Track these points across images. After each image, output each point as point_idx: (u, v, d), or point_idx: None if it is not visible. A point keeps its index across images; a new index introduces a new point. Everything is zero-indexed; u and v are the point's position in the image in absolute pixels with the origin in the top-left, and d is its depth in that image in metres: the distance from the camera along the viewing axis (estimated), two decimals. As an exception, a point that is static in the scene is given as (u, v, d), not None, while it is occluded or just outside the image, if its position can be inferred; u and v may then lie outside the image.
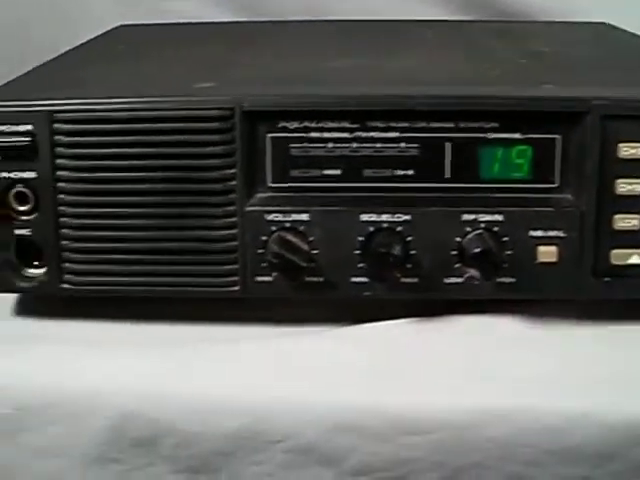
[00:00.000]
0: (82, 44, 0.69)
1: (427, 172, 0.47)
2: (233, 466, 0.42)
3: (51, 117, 0.47)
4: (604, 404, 0.40)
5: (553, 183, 0.47)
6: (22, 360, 0.45)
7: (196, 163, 0.47)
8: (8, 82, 0.53)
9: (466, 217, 0.46)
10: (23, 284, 0.50)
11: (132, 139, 0.47)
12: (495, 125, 0.46)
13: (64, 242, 0.48)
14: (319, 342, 0.47)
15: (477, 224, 0.46)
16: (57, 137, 0.47)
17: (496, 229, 0.46)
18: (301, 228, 0.47)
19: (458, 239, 0.47)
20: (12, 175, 0.48)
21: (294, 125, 0.47)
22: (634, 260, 0.47)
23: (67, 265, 0.49)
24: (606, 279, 0.47)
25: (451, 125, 0.46)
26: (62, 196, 0.48)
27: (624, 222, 0.46)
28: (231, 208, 0.47)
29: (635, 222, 0.46)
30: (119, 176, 0.47)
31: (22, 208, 0.49)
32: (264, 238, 0.47)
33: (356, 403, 0.42)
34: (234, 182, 0.47)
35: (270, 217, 0.47)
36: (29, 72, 0.57)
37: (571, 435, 0.40)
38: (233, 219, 0.47)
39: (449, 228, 0.47)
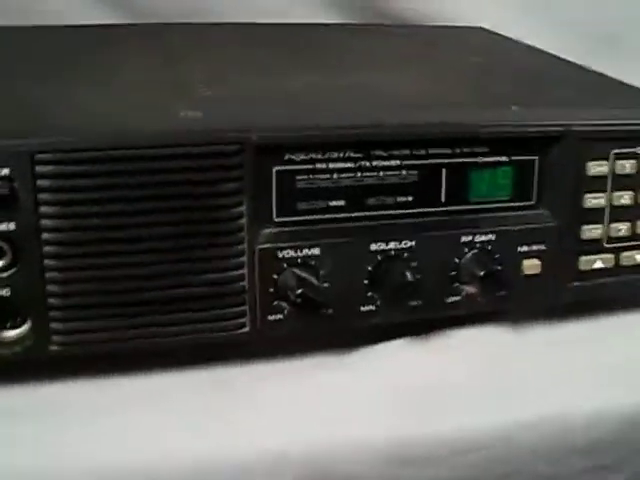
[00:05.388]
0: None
1: (426, 197, 0.48)
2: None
3: (32, 159, 0.42)
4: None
5: (531, 200, 0.50)
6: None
7: (200, 203, 0.44)
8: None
9: (464, 239, 0.49)
10: (3, 351, 0.43)
11: (127, 180, 0.43)
12: (485, 150, 0.49)
13: (51, 299, 0.43)
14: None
15: (473, 244, 0.49)
16: (40, 182, 0.42)
17: (489, 248, 0.49)
18: (312, 262, 0.46)
19: (457, 260, 0.49)
20: (-16, 229, 0.42)
21: (300, 157, 0.46)
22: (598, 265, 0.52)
23: (54, 325, 0.43)
24: (576, 284, 0.52)
25: (448, 151, 0.48)
26: (48, 248, 0.43)
27: (590, 232, 0.51)
28: (240, 247, 0.45)
29: (599, 232, 0.51)
30: (113, 222, 0.43)
31: (-3, 265, 0.42)
32: (275, 275, 0.46)
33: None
34: (242, 220, 0.45)
35: (281, 254, 0.46)
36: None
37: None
38: (242, 258, 0.45)
39: (449, 250, 0.49)
